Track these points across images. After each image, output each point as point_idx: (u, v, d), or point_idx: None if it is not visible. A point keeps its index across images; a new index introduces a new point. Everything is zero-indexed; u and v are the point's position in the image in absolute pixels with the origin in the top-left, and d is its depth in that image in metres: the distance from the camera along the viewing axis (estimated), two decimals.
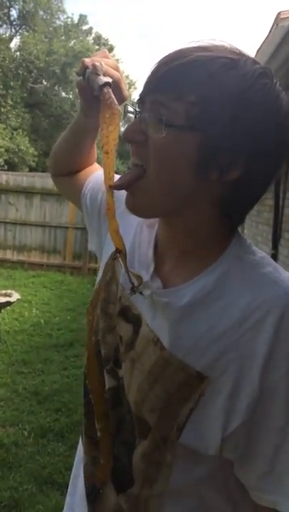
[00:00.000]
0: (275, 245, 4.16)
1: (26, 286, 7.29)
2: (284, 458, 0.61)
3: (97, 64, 0.70)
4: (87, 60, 0.72)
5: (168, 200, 0.64)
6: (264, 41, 3.99)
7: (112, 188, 0.65)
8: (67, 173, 0.98)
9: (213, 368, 0.62)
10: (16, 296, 4.75)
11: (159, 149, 0.62)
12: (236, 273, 0.65)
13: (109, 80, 0.69)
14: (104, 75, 0.70)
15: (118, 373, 0.72)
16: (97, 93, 0.70)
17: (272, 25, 3.83)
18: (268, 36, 3.83)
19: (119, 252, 0.66)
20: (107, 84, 0.69)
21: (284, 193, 3.92)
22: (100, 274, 0.84)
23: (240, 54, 0.63)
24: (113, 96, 0.68)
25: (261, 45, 4.19)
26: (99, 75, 0.70)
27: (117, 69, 0.73)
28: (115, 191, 0.65)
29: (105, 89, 0.68)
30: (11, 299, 4.67)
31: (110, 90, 0.69)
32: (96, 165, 0.99)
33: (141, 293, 0.67)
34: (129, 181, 0.65)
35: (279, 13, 3.94)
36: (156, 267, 0.71)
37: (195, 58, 0.60)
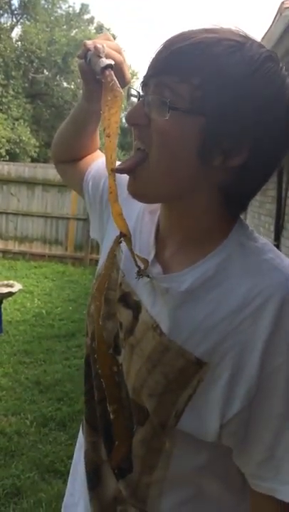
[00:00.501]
0: (278, 236, 4.15)
1: (28, 276, 7.31)
2: (283, 445, 0.61)
3: (99, 46, 0.69)
4: (88, 43, 0.71)
5: (170, 185, 0.64)
6: (267, 31, 3.95)
7: (114, 171, 0.64)
8: (69, 159, 0.98)
9: (212, 354, 0.62)
10: (17, 287, 4.76)
11: (161, 133, 0.61)
12: (237, 259, 0.64)
13: (112, 62, 0.68)
14: (107, 57, 0.68)
15: (118, 360, 0.72)
16: (99, 76, 0.68)
17: (276, 15, 3.79)
18: (271, 26, 3.79)
19: (124, 236, 0.65)
20: (108, 66, 0.67)
21: (287, 184, 3.91)
22: (101, 260, 0.84)
23: (246, 37, 0.61)
24: (115, 78, 0.67)
25: (264, 35, 4.15)
26: (101, 57, 0.68)
27: (119, 51, 0.72)
28: (118, 176, 0.65)
29: (107, 72, 0.67)
30: (13, 290, 4.68)
31: (112, 73, 0.67)
32: (99, 152, 0.98)
33: (148, 276, 0.66)
34: (131, 165, 0.64)
35: (282, 3, 3.90)
36: (157, 252, 0.71)
37: (200, 40, 0.59)
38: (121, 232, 0.65)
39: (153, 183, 0.64)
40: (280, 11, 3.94)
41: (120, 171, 0.64)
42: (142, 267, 0.67)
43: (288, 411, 0.60)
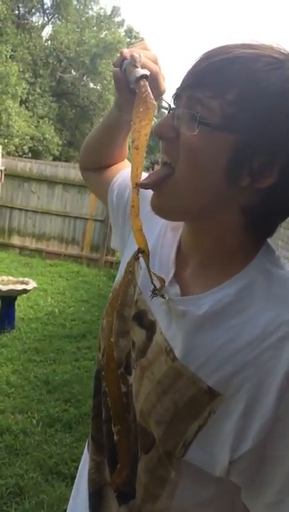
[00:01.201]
0: None
1: (43, 274, 7.35)
2: None
3: (136, 55, 0.67)
4: (125, 51, 0.69)
5: (194, 203, 0.62)
6: None
7: (139, 186, 0.62)
8: (96, 167, 0.96)
9: (227, 385, 0.58)
10: (32, 285, 4.79)
11: (189, 148, 0.59)
12: (261, 286, 0.61)
13: (147, 72, 0.66)
14: (142, 67, 0.67)
15: (128, 379, 0.70)
16: (133, 86, 0.67)
17: None
18: None
19: (142, 252, 0.63)
20: (144, 76, 0.66)
21: None
22: (118, 274, 0.82)
23: (287, 55, 0.59)
24: (149, 90, 0.65)
25: None
26: (137, 66, 0.66)
27: (156, 62, 0.70)
28: (142, 190, 0.63)
29: (142, 82, 0.65)
30: (28, 287, 4.71)
31: (147, 83, 0.66)
32: (126, 161, 0.96)
33: (163, 296, 0.64)
34: (156, 181, 0.63)
35: None
36: (177, 272, 0.68)
37: (238, 55, 0.57)
38: (139, 248, 0.63)
39: (177, 199, 0.62)
40: None
41: (145, 186, 0.63)
42: (158, 285, 0.65)
43: None
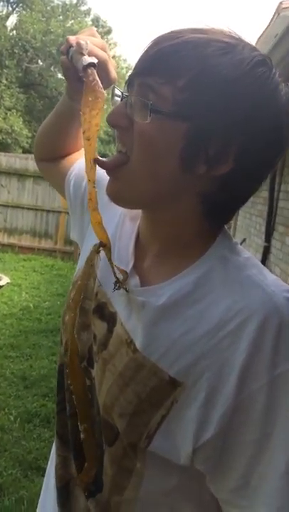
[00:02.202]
0: (268, 238, 4.16)
1: (16, 269, 7.25)
2: (258, 474, 0.56)
3: (82, 42, 0.65)
4: (71, 38, 0.67)
5: (149, 191, 0.61)
6: (264, 31, 3.94)
7: (96, 161, 0.61)
8: (52, 158, 0.94)
9: (188, 374, 0.58)
10: (5, 280, 4.72)
11: (143, 136, 0.58)
12: (219, 274, 0.60)
13: (94, 60, 0.64)
14: (90, 54, 0.64)
15: (91, 373, 0.69)
16: (81, 74, 0.64)
17: (273, 15, 3.78)
18: (268, 26, 3.78)
19: (104, 246, 0.62)
20: (91, 64, 0.63)
21: (279, 185, 3.91)
22: (78, 266, 0.81)
23: (239, 39, 0.58)
24: (97, 78, 0.63)
25: (261, 36, 4.14)
26: (83, 54, 0.64)
27: (104, 49, 0.68)
28: (99, 181, 0.61)
29: (89, 71, 0.63)
30: (1, 283, 4.64)
31: (95, 72, 0.63)
32: (83, 151, 0.95)
33: (126, 289, 0.63)
34: (110, 164, 0.62)
35: (280, 3, 3.88)
36: (136, 262, 0.67)
37: (188, 40, 0.56)
38: (101, 242, 0.62)
39: (132, 187, 0.61)
40: (278, 11, 3.92)
41: (101, 163, 0.61)
42: (121, 278, 0.64)
43: (264, 438, 0.55)
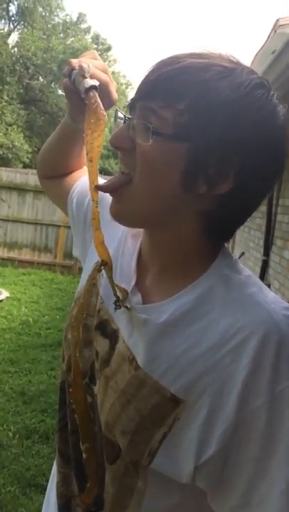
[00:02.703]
0: (267, 252, 4.16)
1: (16, 283, 7.24)
2: (259, 493, 0.56)
3: (84, 65, 0.67)
4: (74, 61, 0.68)
5: (151, 210, 0.62)
6: (261, 48, 4.00)
7: (97, 188, 0.62)
8: (55, 176, 0.95)
9: (189, 392, 0.58)
10: (5, 294, 4.73)
11: (145, 158, 0.59)
12: (220, 292, 0.61)
13: (96, 83, 0.66)
14: (92, 77, 0.67)
15: (93, 390, 0.69)
16: (83, 96, 0.66)
17: (271, 32, 3.84)
18: (265, 43, 3.84)
19: (105, 265, 0.63)
20: (93, 87, 0.66)
21: (277, 200, 3.93)
22: (80, 284, 0.81)
23: (237, 63, 0.60)
24: (99, 100, 0.65)
25: (258, 52, 4.19)
26: (85, 77, 0.66)
27: (105, 71, 0.70)
28: (102, 198, 0.63)
29: (91, 93, 0.65)
30: (0, 297, 4.64)
31: (96, 94, 0.65)
32: (85, 169, 0.96)
33: (127, 307, 0.64)
34: (113, 186, 0.63)
35: (277, 20, 3.94)
36: (138, 280, 0.68)
37: (187, 65, 0.58)
38: (102, 261, 0.63)
39: (135, 207, 0.62)
40: (275, 28, 3.99)
41: (102, 188, 0.63)
42: (121, 297, 0.64)
43: (265, 456, 0.55)
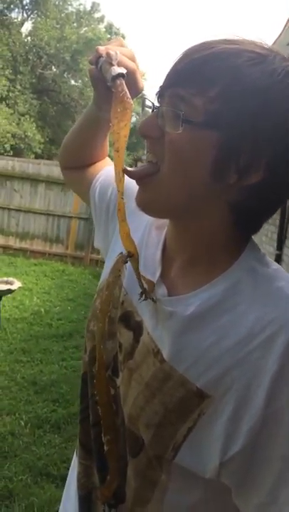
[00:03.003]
0: (280, 246, 4.13)
1: (28, 274, 7.28)
2: (286, 491, 0.55)
3: (112, 53, 0.65)
4: (101, 48, 0.67)
5: (178, 200, 0.60)
6: (275, 40, 3.94)
7: (124, 172, 0.61)
8: (77, 166, 0.94)
9: (216, 386, 0.57)
10: (17, 285, 4.74)
11: (174, 146, 0.58)
12: (248, 285, 0.60)
13: (123, 70, 0.64)
14: (119, 65, 0.65)
15: (116, 382, 0.69)
16: (110, 84, 0.65)
17: (286, 24, 3.78)
18: (280, 35, 3.78)
19: (131, 256, 0.62)
20: (120, 75, 0.64)
21: None
22: (103, 275, 0.80)
23: (269, 50, 0.58)
24: (126, 89, 0.63)
25: (272, 44, 4.14)
26: (113, 64, 0.64)
27: (133, 59, 0.68)
28: (126, 188, 0.61)
29: (118, 81, 0.63)
30: (12, 287, 4.66)
31: (124, 82, 0.63)
32: (108, 159, 0.94)
33: (153, 299, 0.63)
34: (140, 174, 0.62)
35: None
36: (163, 272, 0.67)
37: (219, 50, 0.56)
38: (128, 252, 0.62)
39: (162, 196, 0.61)
40: None
41: (129, 173, 0.62)
42: (147, 288, 0.63)
43: None
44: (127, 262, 0.63)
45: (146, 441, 0.62)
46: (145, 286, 0.63)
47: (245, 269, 0.61)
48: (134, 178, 0.63)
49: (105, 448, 0.66)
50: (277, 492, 0.55)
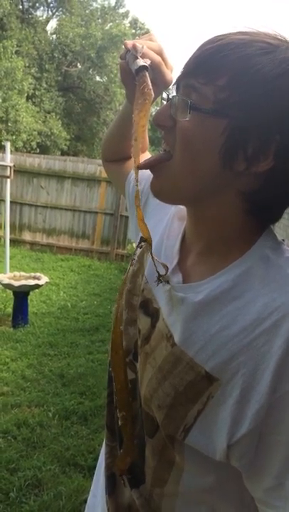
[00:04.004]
0: None
1: (55, 269, 7.39)
2: None
3: (138, 46, 0.66)
4: (128, 42, 0.68)
5: (191, 187, 0.62)
6: None
7: (137, 168, 0.62)
8: (116, 159, 0.99)
9: (223, 370, 0.59)
10: (44, 280, 4.83)
11: (184, 134, 0.60)
12: (258, 272, 0.60)
13: (147, 63, 0.65)
14: (143, 57, 0.66)
15: (136, 366, 0.71)
16: (136, 77, 0.66)
17: None
18: None
19: (145, 241, 0.64)
20: (143, 67, 0.65)
21: None
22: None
23: (283, 41, 0.58)
24: (148, 81, 0.64)
25: None
26: (137, 57, 0.66)
27: (160, 52, 0.69)
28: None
29: (141, 73, 0.65)
30: (40, 282, 4.75)
31: (146, 74, 0.64)
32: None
33: (167, 282, 0.65)
34: (153, 163, 0.64)
35: None
36: (180, 260, 0.69)
37: (229, 41, 0.58)
38: (141, 237, 0.64)
39: (173, 183, 0.63)
40: None
41: (142, 166, 0.64)
42: (162, 272, 0.65)
43: None
44: (141, 247, 0.65)
45: (159, 421, 0.65)
46: (160, 269, 0.65)
47: (258, 257, 0.62)
48: (147, 168, 0.65)
49: (119, 423, 0.69)
50: (283, 477, 0.56)
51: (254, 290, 0.60)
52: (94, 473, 0.91)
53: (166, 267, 0.66)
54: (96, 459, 0.89)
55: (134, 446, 0.69)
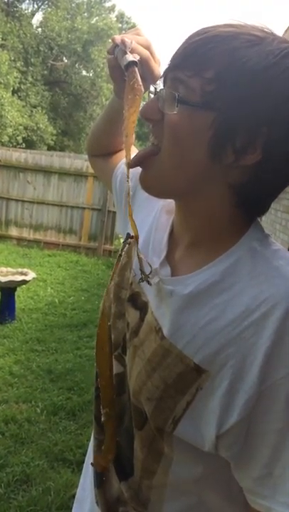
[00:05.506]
0: None
1: (42, 265, 7.35)
2: (281, 463, 0.56)
3: (127, 41, 0.66)
4: (117, 37, 0.68)
5: (179, 180, 0.62)
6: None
7: (128, 166, 0.63)
8: (102, 154, 0.98)
9: (212, 362, 0.59)
10: (31, 275, 4.80)
11: (171, 127, 0.60)
12: (246, 264, 0.61)
13: (136, 58, 0.65)
14: (132, 52, 0.66)
15: (125, 360, 0.72)
16: (125, 72, 0.66)
17: None
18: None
19: (132, 238, 0.64)
20: (132, 63, 0.65)
21: None
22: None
23: (269, 33, 0.59)
24: (138, 76, 0.64)
25: (286, 31, 4.08)
26: (126, 53, 0.66)
27: (148, 47, 0.69)
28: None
29: (130, 69, 0.65)
30: (27, 278, 4.72)
31: (136, 69, 0.65)
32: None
33: (148, 282, 0.65)
34: (140, 157, 0.64)
35: None
36: (168, 253, 0.70)
37: (216, 34, 0.57)
38: (128, 233, 0.64)
39: (162, 176, 0.63)
40: None
41: (132, 164, 0.64)
42: (148, 270, 0.65)
43: (287, 428, 0.56)
44: (128, 243, 0.66)
45: (148, 414, 0.65)
46: (146, 267, 0.66)
47: (246, 249, 0.62)
48: (137, 164, 0.65)
49: (102, 419, 0.69)
50: (272, 466, 0.57)
51: (242, 282, 0.60)
52: (82, 469, 0.91)
53: (150, 266, 0.66)
54: (84, 454, 0.89)
55: (115, 444, 0.69)
